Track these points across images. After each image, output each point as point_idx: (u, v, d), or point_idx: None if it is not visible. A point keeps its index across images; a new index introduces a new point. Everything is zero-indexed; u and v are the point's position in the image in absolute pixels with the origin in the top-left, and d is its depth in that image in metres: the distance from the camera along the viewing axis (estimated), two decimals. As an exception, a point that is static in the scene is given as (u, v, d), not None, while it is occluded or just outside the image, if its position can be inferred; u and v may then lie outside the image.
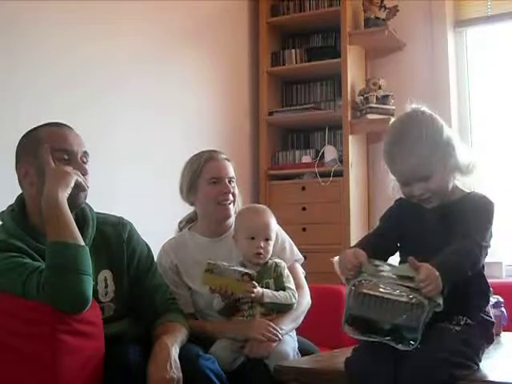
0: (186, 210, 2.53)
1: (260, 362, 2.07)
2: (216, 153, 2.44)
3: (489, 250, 1.75)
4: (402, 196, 1.87)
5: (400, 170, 1.78)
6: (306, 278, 2.44)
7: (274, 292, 2.18)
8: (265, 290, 2.15)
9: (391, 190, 1.89)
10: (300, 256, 2.46)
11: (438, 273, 1.58)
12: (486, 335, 1.79)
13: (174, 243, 2.43)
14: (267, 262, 2.23)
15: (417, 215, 1.84)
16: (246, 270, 2.13)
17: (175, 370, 1.82)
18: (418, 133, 1.76)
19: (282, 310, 2.20)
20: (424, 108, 1.84)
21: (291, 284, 2.24)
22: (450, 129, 1.83)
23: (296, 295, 2.23)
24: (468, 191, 1.85)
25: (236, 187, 2.41)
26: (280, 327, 2.14)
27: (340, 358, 1.75)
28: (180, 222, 2.54)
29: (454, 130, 3.53)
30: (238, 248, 2.27)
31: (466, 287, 1.73)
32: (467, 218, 1.73)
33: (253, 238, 2.21)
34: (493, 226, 1.78)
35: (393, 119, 3.83)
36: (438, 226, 1.79)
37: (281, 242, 2.38)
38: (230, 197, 2.37)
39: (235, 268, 2.13)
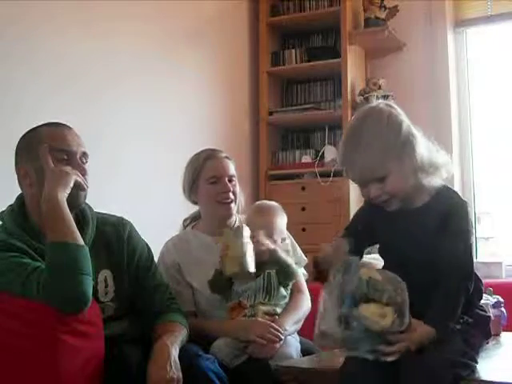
0: (187, 209, 2.53)
1: (263, 362, 2.07)
2: (215, 151, 2.43)
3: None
4: None
5: (352, 171, 1.71)
6: (307, 280, 2.43)
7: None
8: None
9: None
10: (303, 258, 2.46)
11: (424, 333, 1.58)
12: (485, 332, 1.79)
13: (177, 241, 2.42)
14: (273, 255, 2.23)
15: (387, 217, 1.77)
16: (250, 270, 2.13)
17: (175, 370, 1.82)
18: (370, 132, 1.68)
19: (288, 274, 2.19)
20: (384, 104, 1.75)
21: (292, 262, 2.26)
22: (412, 126, 1.73)
23: (297, 269, 2.26)
24: (435, 189, 1.75)
25: (237, 185, 2.40)
26: (284, 328, 2.14)
27: (339, 358, 1.75)
28: (185, 220, 2.54)
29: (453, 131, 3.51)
30: None
31: None
32: (447, 231, 1.67)
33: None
34: (472, 224, 1.74)
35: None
36: (409, 229, 1.74)
37: (283, 244, 2.37)
38: (231, 195, 2.36)
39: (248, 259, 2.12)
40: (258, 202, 2.42)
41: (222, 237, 2.17)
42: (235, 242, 2.11)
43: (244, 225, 2.16)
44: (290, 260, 2.22)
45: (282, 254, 2.18)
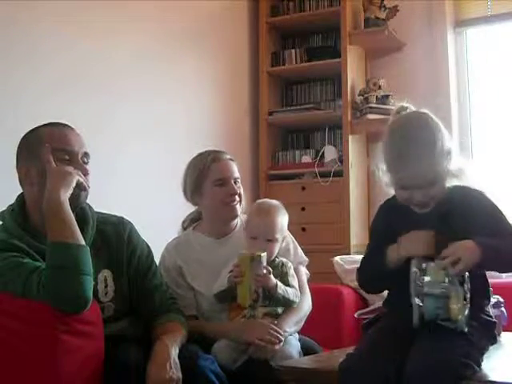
0: (187, 209, 2.52)
1: (264, 362, 2.06)
2: (221, 153, 2.41)
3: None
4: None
5: (407, 174, 1.73)
6: (309, 279, 2.43)
7: (284, 286, 2.18)
8: (278, 281, 2.15)
9: (384, 186, 1.85)
10: (304, 258, 2.45)
11: (469, 246, 1.63)
12: (489, 336, 1.79)
13: (178, 243, 2.41)
14: (274, 261, 2.23)
15: (409, 217, 1.81)
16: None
17: (175, 370, 1.82)
18: (429, 138, 1.74)
19: (286, 305, 2.19)
20: (424, 112, 1.82)
21: (295, 283, 2.24)
22: (447, 132, 1.80)
23: (299, 294, 2.24)
24: (449, 185, 1.81)
25: (241, 187, 2.40)
26: (284, 329, 2.13)
27: (340, 358, 1.74)
28: (183, 222, 2.53)
29: (453, 131, 3.54)
30: (246, 243, 2.27)
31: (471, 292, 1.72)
32: (487, 220, 1.73)
33: (255, 239, 2.20)
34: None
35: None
36: (436, 226, 1.76)
37: (285, 244, 2.35)
38: (237, 197, 2.35)
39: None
40: (258, 202, 2.39)
41: (238, 258, 2.14)
42: (252, 272, 2.10)
43: (263, 254, 2.13)
44: (289, 290, 2.19)
45: (280, 290, 2.16)
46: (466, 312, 1.67)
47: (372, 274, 1.88)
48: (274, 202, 2.33)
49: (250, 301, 2.13)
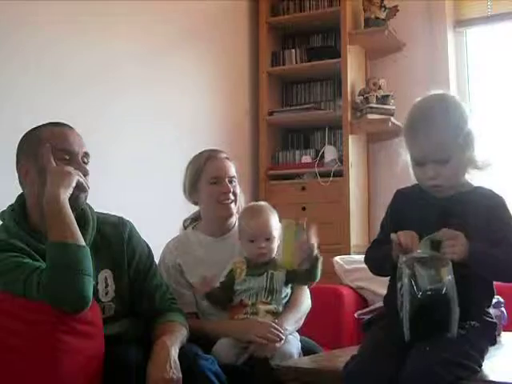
0: (187, 209, 2.53)
1: (264, 361, 2.06)
2: (216, 152, 2.43)
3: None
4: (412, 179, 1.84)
5: (421, 146, 1.74)
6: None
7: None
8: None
9: (399, 170, 1.84)
10: None
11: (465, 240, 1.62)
12: (490, 337, 1.79)
13: (178, 242, 2.42)
14: (275, 258, 2.23)
15: (420, 204, 1.80)
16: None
17: (175, 371, 1.82)
18: (446, 113, 1.74)
19: (313, 278, 2.21)
20: (453, 95, 1.84)
21: None
22: (473, 122, 1.81)
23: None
24: (474, 185, 1.83)
25: (237, 186, 2.41)
26: (284, 327, 2.14)
27: (340, 358, 1.75)
28: (185, 221, 2.54)
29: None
30: (243, 249, 2.27)
31: (473, 292, 1.72)
32: (498, 226, 1.72)
33: (253, 241, 2.21)
34: None
35: (393, 119, 3.83)
36: (444, 215, 1.76)
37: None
38: (231, 196, 2.36)
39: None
40: (246, 207, 2.39)
41: (283, 225, 2.18)
42: (296, 239, 2.17)
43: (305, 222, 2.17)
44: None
45: (320, 261, 2.20)
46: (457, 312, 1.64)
47: (374, 263, 1.89)
48: (263, 203, 2.36)
49: (295, 265, 2.16)
